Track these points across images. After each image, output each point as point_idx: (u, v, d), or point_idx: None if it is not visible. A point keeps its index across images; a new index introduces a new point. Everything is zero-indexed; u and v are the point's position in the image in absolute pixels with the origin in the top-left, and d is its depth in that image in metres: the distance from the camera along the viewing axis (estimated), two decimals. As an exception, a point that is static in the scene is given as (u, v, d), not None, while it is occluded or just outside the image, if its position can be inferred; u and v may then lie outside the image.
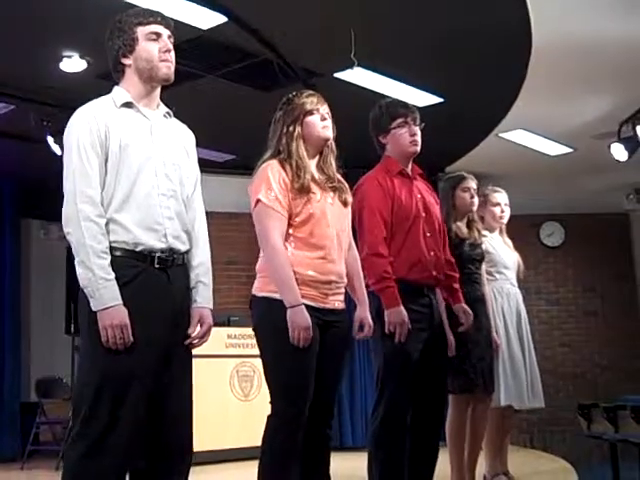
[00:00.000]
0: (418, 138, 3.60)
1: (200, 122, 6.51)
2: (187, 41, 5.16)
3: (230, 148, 7.41)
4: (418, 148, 3.62)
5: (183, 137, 2.77)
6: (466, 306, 3.80)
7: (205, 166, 8.95)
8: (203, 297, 2.68)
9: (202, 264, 2.70)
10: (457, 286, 3.79)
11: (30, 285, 8.58)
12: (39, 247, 8.70)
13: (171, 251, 2.57)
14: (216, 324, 8.23)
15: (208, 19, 4.85)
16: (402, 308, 3.35)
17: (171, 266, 2.57)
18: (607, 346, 9.52)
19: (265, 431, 2.94)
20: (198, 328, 2.64)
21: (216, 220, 8.03)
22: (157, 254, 2.54)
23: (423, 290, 3.53)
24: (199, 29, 4.98)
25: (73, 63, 5.39)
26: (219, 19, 4.86)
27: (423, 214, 3.58)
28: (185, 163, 2.71)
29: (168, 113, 2.74)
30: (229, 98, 6.28)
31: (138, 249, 2.51)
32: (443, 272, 3.65)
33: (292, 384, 2.90)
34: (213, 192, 7.55)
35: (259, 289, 3.02)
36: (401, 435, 3.41)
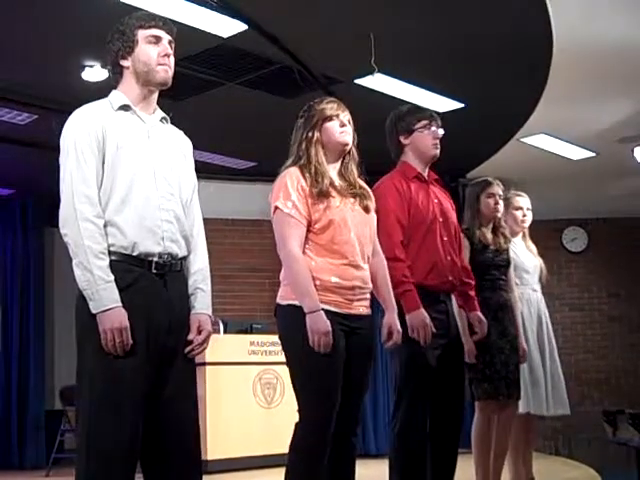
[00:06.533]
0: (439, 143, 3.61)
1: (221, 129, 6.58)
2: (208, 49, 5.20)
3: (251, 155, 7.43)
4: (438, 152, 3.61)
5: (180, 142, 2.75)
6: (481, 315, 3.79)
7: (226, 173, 8.95)
8: (202, 303, 2.65)
9: (200, 270, 2.68)
10: (473, 293, 3.77)
11: (54, 293, 8.64)
12: (63, 256, 8.72)
13: (168, 255, 2.54)
14: (239, 331, 8.24)
15: (228, 27, 4.87)
16: (423, 310, 3.32)
17: (168, 272, 2.55)
18: (632, 352, 9.44)
19: (293, 438, 2.92)
20: (197, 335, 2.60)
21: (238, 227, 8.09)
22: (154, 259, 2.51)
23: (439, 296, 3.51)
24: (219, 37, 5.00)
25: (95, 73, 5.45)
26: (239, 27, 4.88)
27: (440, 218, 3.56)
28: (183, 167, 2.69)
29: (165, 118, 2.72)
30: (249, 105, 6.30)
31: (135, 253, 2.48)
32: (459, 278, 3.63)
33: (320, 391, 2.88)
34: (234, 199, 7.66)
35: (283, 297, 3.00)
36: (421, 441, 3.39)
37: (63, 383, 7.80)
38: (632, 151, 6.92)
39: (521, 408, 4.40)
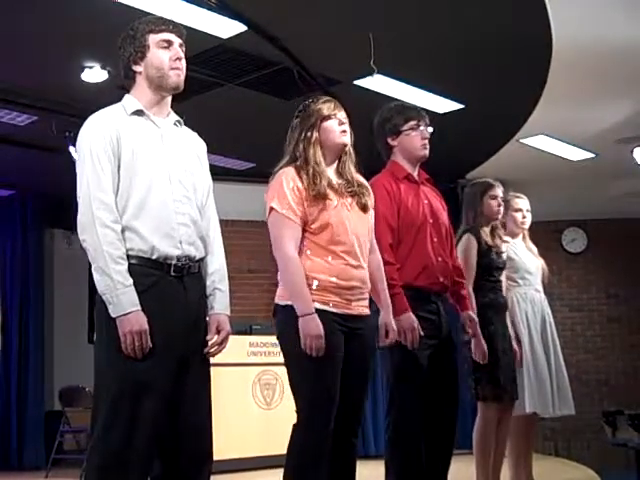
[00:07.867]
0: (427, 143, 3.57)
1: (220, 130, 6.59)
2: (207, 50, 5.19)
3: (250, 156, 7.43)
4: (427, 152, 3.59)
5: (195, 145, 2.77)
6: (472, 314, 3.79)
7: (225, 174, 8.95)
8: (220, 304, 2.67)
9: (218, 271, 2.70)
10: (465, 293, 3.76)
11: (53, 295, 8.64)
12: (62, 257, 8.75)
13: (186, 258, 2.56)
14: (238, 332, 8.25)
15: (228, 28, 4.87)
16: (411, 314, 3.31)
17: (186, 274, 2.56)
18: (631, 352, 9.44)
19: (291, 440, 2.90)
20: (216, 335, 2.63)
21: (237, 228, 8.08)
22: (173, 262, 2.53)
23: (430, 297, 3.49)
24: (219, 38, 5.00)
25: (94, 74, 5.43)
26: (238, 28, 4.88)
27: (430, 220, 3.54)
28: (198, 170, 2.71)
29: (178, 122, 2.74)
30: (249, 106, 6.30)
31: (154, 257, 2.51)
32: (450, 278, 3.61)
33: (317, 392, 2.87)
34: (234, 200, 7.66)
35: (282, 297, 2.99)
36: (415, 442, 3.37)
37: (62, 384, 7.80)
38: (631, 152, 6.91)
39: (528, 408, 4.40)
